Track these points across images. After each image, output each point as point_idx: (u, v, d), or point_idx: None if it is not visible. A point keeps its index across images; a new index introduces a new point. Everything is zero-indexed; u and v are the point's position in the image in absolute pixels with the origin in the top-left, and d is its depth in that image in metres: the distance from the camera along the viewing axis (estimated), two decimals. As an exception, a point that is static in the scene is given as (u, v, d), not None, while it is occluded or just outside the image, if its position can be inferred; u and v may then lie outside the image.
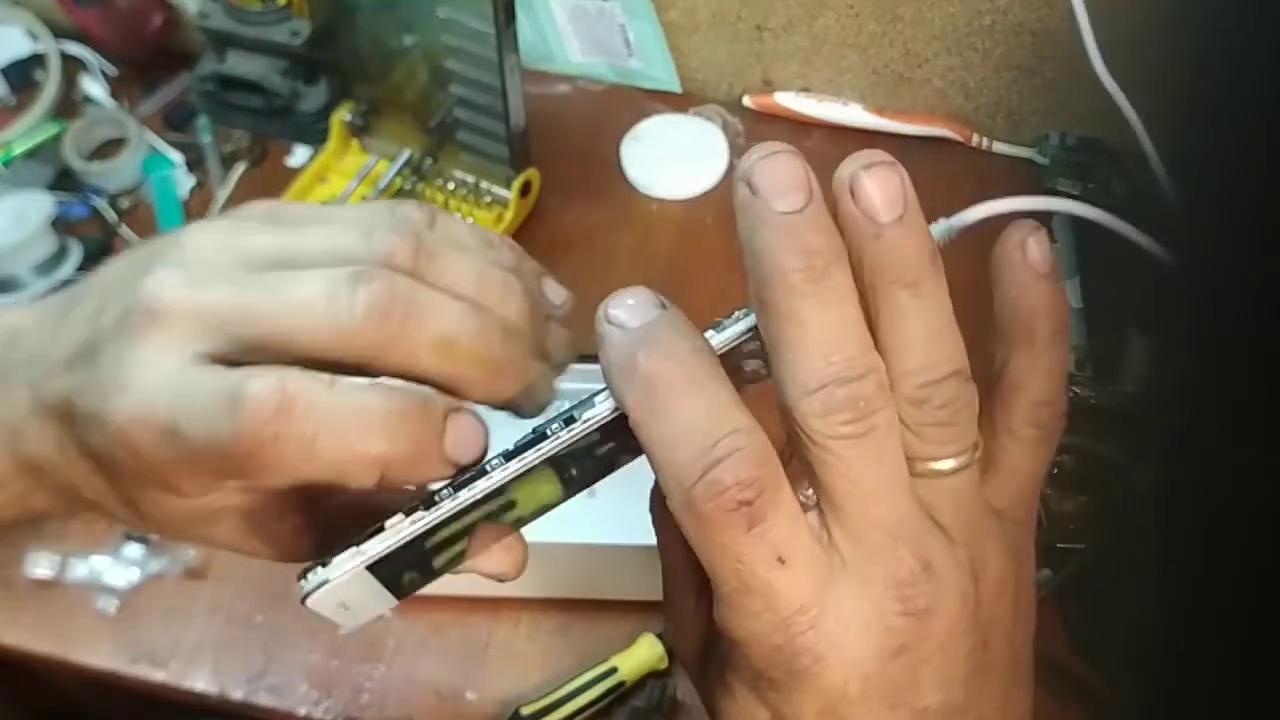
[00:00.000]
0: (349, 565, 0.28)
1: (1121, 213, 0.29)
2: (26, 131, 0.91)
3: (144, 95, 0.95)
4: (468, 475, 0.28)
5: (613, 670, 0.65)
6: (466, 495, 0.28)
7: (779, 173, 0.26)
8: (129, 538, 0.71)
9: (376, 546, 0.28)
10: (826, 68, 0.92)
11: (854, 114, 0.91)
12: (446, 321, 0.29)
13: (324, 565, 0.28)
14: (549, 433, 0.28)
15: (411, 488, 0.30)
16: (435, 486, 0.29)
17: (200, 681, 0.66)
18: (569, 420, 0.28)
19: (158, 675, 0.67)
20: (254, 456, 0.26)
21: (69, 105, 0.94)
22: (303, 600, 0.28)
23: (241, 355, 0.28)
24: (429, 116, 0.82)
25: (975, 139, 0.92)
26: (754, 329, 0.27)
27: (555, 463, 0.28)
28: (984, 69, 0.89)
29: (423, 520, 0.28)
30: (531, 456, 0.28)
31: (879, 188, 0.26)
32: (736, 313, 0.28)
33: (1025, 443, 0.28)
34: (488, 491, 0.28)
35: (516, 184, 0.82)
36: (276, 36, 0.87)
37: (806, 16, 0.89)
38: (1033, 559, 0.29)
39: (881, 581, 0.25)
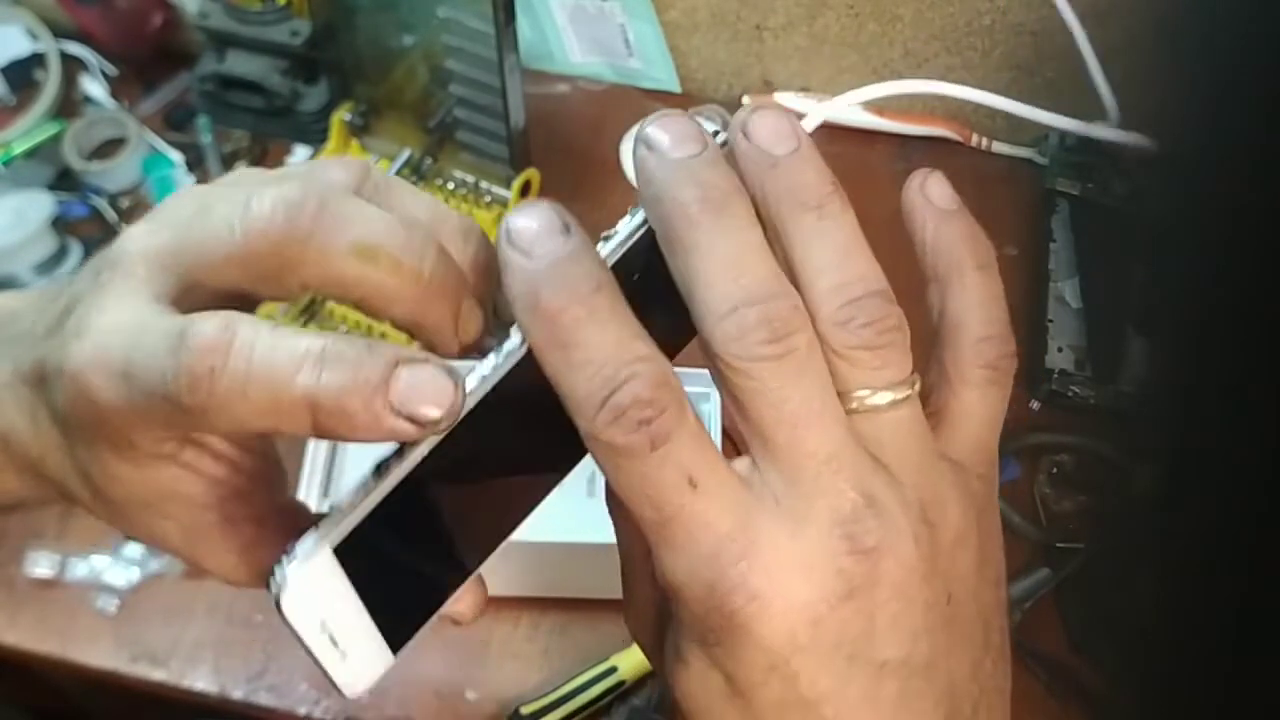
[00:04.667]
0: (311, 550, 0.26)
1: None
2: (26, 131, 0.91)
3: (144, 95, 0.95)
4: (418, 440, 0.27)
5: (612, 670, 0.65)
6: (417, 452, 0.27)
7: (674, 128, 0.26)
8: (129, 536, 0.71)
9: (336, 521, 0.27)
10: (826, 68, 0.92)
11: (854, 114, 0.91)
12: (369, 226, 0.28)
13: (286, 553, 0.27)
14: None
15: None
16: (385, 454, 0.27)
17: (200, 681, 0.66)
18: (490, 353, 0.27)
19: (158, 675, 0.67)
20: (193, 392, 0.26)
21: (69, 105, 0.94)
22: (277, 606, 0.26)
23: (188, 292, 0.28)
24: (429, 116, 0.82)
25: (975, 139, 0.92)
26: (644, 224, 0.27)
27: (497, 400, 0.27)
28: (984, 69, 0.89)
29: (375, 489, 0.27)
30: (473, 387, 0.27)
31: (769, 125, 0.27)
32: (621, 221, 0.28)
33: (976, 385, 0.28)
34: (435, 445, 0.27)
35: (516, 184, 0.82)
36: (276, 36, 0.87)
37: (806, 16, 0.89)
38: (998, 517, 0.28)
39: (825, 518, 0.25)
